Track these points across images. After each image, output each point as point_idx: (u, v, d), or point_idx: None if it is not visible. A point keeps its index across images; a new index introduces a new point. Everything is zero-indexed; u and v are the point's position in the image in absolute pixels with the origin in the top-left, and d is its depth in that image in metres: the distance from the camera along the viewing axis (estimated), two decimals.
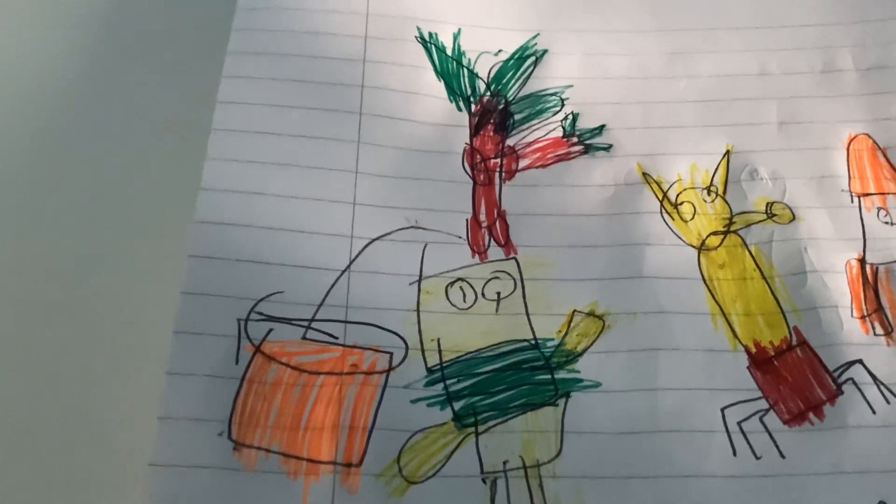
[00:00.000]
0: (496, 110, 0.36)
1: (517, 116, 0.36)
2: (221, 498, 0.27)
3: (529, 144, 0.35)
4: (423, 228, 0.33)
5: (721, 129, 0.36)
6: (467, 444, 0.29)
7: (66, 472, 0.29)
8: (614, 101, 0.36)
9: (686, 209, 0.34)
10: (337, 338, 0.30)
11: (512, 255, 0.33)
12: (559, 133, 0.36)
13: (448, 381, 0.30)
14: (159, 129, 0.36)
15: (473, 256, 0.33)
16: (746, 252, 0.33)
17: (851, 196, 0.34)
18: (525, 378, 0.30)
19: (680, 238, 0.33)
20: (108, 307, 0.32)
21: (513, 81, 0.37)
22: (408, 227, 0.33)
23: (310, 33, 0.36)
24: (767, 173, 0.35)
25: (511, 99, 0.36)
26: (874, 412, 0.30)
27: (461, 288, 0.32)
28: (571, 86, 0.37)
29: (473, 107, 0.36)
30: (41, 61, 0.38)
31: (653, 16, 0.38)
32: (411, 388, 0.30)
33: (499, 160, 0.35)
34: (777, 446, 0.29)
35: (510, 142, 0.35)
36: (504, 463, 0.29)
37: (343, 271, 0.32)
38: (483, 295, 0.32)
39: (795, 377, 0.30)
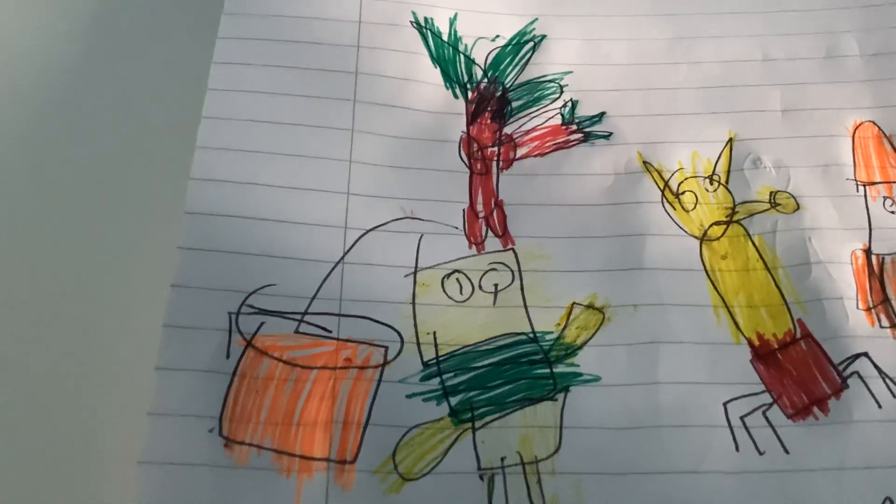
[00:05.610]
0: (493, 97, 0.36)
1: (515, 104, 0.36)
2: (212, 496, 0.27)
3: (527, 132, 0.35)
4: (419, 219, 0.32)
5: (723, 116, 0.35)
6: (464, 439, 0.28)
7: (53, 470, 0.29)
8: (614, 87, 0.36)
9: (688, 198, 0.33)
10: (330, 331, 0.30)
11: (509, 245, 0.32)
12: (558, 121, 0.35)
13: (444, 376, 0.30)
14: (148, 117, 0.35)
15: (470, 247, 0.32)
16: (749, 242, 0.32)
17: (857, 185, 0.34)
18: (523, 372, 0.30)
19: (681, 228, 0.33)
20: (96, 301, 0.32)
21: (510, 68, 0.36)
22: (403, 218, 0.32)
23: (302, 18, 0.36)
24: (771, 161, 0.34)
25: (509, 86, 0.36)
26: (880, 406, 0.29)
27: (458, 280, 0.31)
28: (570, 72, 0.36)
29: (470, 94, 0.36)
30: (27, 53, 0.37)
31: (653, 0, 0.38)
32: (407, 383, 0.29)
33: (496, 149, 0.34)
34: (781, 441, 0.29)
35: (508, 130, 0.35)
36: (502, 459, 0.28)
37: (337, 263, 0.31)
38: (480, 287, 0.31)
39: (799, 370, 0.30)
